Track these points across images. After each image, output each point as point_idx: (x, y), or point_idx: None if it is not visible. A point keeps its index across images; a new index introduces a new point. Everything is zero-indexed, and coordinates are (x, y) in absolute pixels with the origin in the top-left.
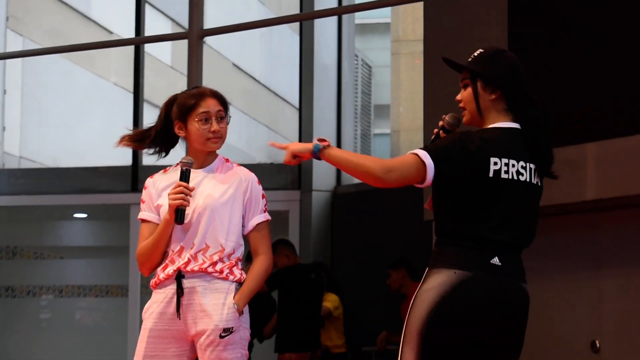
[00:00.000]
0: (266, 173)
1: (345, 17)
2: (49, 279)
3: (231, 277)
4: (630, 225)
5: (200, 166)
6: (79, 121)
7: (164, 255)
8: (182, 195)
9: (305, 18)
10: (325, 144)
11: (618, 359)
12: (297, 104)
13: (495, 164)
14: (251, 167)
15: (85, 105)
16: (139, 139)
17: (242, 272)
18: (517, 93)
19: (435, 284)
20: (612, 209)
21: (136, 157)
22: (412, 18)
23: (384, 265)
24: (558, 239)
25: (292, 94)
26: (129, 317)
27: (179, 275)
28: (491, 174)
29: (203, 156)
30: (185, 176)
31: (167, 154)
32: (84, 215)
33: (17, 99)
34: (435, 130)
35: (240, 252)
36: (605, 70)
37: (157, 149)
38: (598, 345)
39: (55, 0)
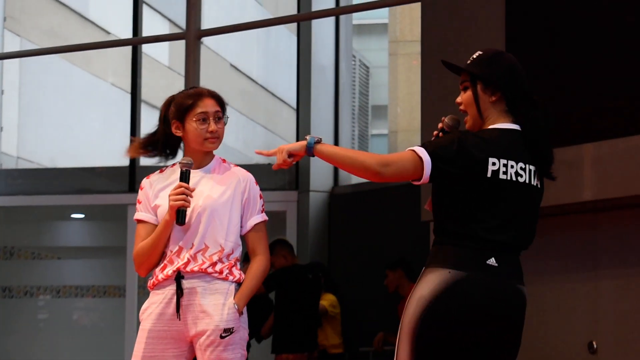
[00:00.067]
0: (263, 174)
1: (342, 17)
2: (46, 280)
3: (231, 278)
4: (629, 226)
5: (198, 166)
6: (77, 121)
7: (162, 255)
8: (184, 196)
9: (303, 19)
10: (318, 139)
11: None
12: (294, 105)
13: (494, 164)
14: (249, 167)
15: (83, 106)
16: (149, 146)
17: (241, 272)
18: (517, 94)
19: (429, 283)
20: (610, 210)
21: (133, 157)
22: (410, 19)
23: (381, 266)
24: (556, 239)
25: (290, 95)
26: (126, 317)
27: (179, 276)
28: (489, 174)
29: (200, 156)
30: (185, 177)
31: (174, 156)
32: (82, 216)
33: (15, 99)
34: (435, 132)
35: (238, 252)
36: (603, 70)
37: (165, 152)
38: (595, 346)
39: (52, 1)
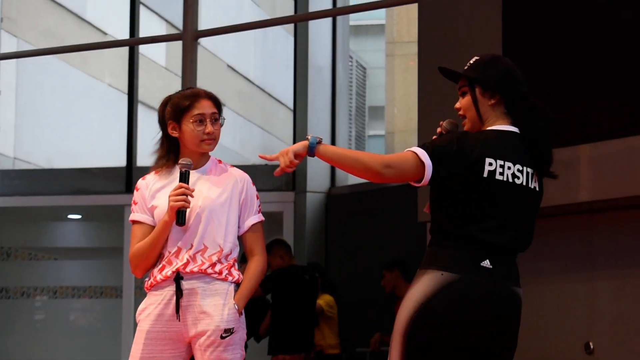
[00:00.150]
0: (260, 174)
1: (339, 18)
2: (43, 280)
3: (230, 278)
4: (625, 227)
5: (194, 167)
6: (74, 122)
7: (159, 256)
8: (184, 196)
9: (300, 19)
10: (319, 139)
11: None
12: (291, 106)
13: (490, 164)
14: (246, 168)
15: (80, 107)
16: (166, 156)
17: (240, 272)
18: (516, 96)
19: (422, 285)
20: (607, 211)
21: (130, 158)
22: (407, 20)
23: (378, 267)
24: (552, 240)
25: (287, 96)
26: (123, 318)
27: (178, 277)
28: (486, 174)
29: (196, 157)
30: (185, 177)
31: (176, 158)
32: (78, 217)
33: (12, 100)
34: (434, 137)
35: (236, 252)
36: (599, 71)
37: (168, 156)
38: (592, 346)
39: (49, 1)
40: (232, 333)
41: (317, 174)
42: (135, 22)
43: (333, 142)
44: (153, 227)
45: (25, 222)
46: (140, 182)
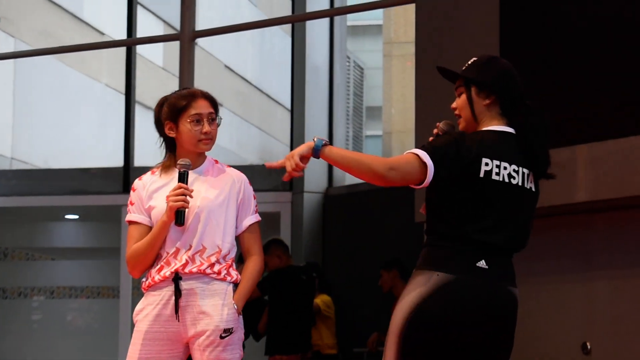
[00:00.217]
0: (257, 174)
1: (337, 18)
2: (40, 280)
3: (228, 279)
4: (623, 227)
5: (191, 168)
6: (71, 122)
7: (157, 257)
8: (183, 197)
9: (297, 20)
10: (325, 141)
11: None
12: (288, 106)
13: (487, 164)
14: (243, 168)
15: (77, 107)
16: (172, 158)
17: (237, 273)
18: (512, 98)
19: (417, 285)
20: (604, 211)
21: (128, 158)
22: (404, 20)
23: (375, 266)
24: (549, 240)
25: (284, 96)
26: (120, 318)
27: (177, 277)
28: (482, 174)
29: (194, 157)
30: (184, 178)
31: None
32: (76, 217)
33: (9, 100)
34: (430, 138)
35: (234, 252)
36: (597, 72)
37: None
38: (589, 347)
39: (46, 2)
40: (231, 333)
41: (314, 174)
42: (133, 22)
43: (330, 143)
44: (150, 227)
45: (22, 222)
46: (137, 183)
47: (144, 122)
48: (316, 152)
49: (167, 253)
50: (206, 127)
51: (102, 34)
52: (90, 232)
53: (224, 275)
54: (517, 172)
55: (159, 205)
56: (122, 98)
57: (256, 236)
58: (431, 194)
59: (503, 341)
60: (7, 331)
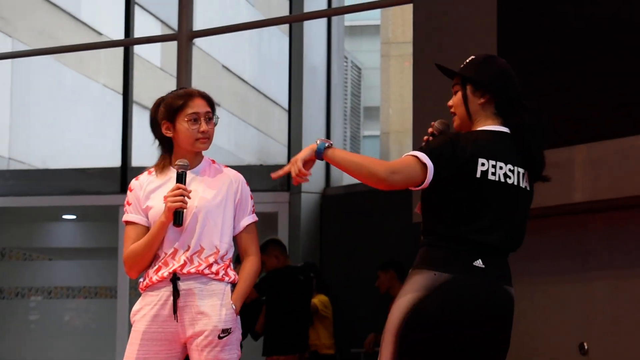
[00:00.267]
0: (255, 175)
1: (334, 19)
2: (37, 281)
3: (226, 279)
4: (620, 228)
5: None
6: (68, 122)
7: (154, 257)
8: (182, 197)
9: (295, 20)
10: (328, 143)
11: None
12: (286, 106)
13: (483, 164)
14: (240, 168)
15: (75, 107)
16: (167, 158)
17: (235, 273)
18: (507, 98)
19: (415, 285)
20: (602, 211)
21: (125, 158)
22: (402, 20)
23: (373, 267)
24: (547, 240)
25: (282, 96)
26: (118, 318)
27: (175, 278)
28: (478, 175)
29: (190, 157)
30: (182, 178)
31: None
32: (73, 217)
33: (6, 100)
34: (425, 137)
35: (231, 253)
36: (595, 72)
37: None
38: (586, 347)
39: (44, 2)
40: (229, 333)
41: (312, 175)
42: (130, 23)
43: None
44: (147, 227)
45: (20, 223)
46: (134, 183)
47: (142, 122)
48: (319, 154)
49: (165, 253)
50: (203, 126)
51: (100, 34)
52: (87, 232)
53: (222, 276)
54: (512, 171)
55: (157, 205)
56: (120, 98)
57: (253, 236)
58: (428, 194)
59: (500, 340)
60: (4, 331)
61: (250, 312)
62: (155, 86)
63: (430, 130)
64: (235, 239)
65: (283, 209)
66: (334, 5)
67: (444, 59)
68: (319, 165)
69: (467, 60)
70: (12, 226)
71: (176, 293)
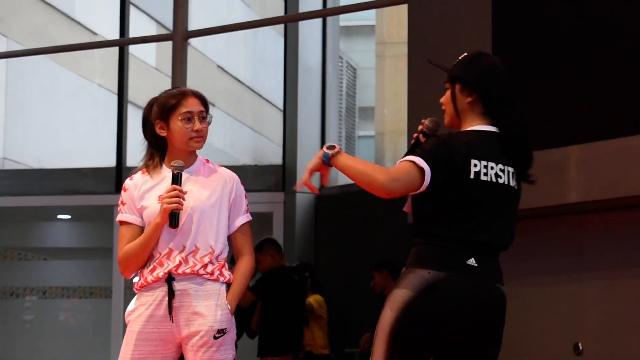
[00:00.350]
0: (250, 175)
1: (329, 19)
2: (32, 280)
3: (222, 279)
4: (614, 228)
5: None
6: (63, 122)
7: (149, 257)
8: (178, 198)
9: (290, 20)
10: (334, 151)
11: None
12: (281, 106)
13: (475, 165)
14: (235, 168)
15: (69, 107)
16: (152, 157)
17: (230, 273)
18: (494, 97)
19: (408, 283)
20: (596, 212)
21: (120, 158)
22: (397, 20)
23: (367, 267)
24: (542, 241)
25: (277, 96)
26: (113, 318)
27: (170, 278)
28: (472, 176)
29: (185, 157)
30: (177, 179)
31: (163, 159)
32: (68, 217)
33: (1, 100)
34: (415, 135)
35: (226, 253)
36: (589, 72)
37: (153, 160)
38: (581, 347)
39: (39, 1)
40: (224, 333)
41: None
42: (125, 22)
43: (322, 143)
44: (141, 227)
45: (14, 222)
46: (128, 183)
47: (137, 122)
48: (325, 162)
49: (160, 254)
50: (197, 125)
51: (95, 34)
52: (82, 232)
53: (217, 276)
54: (503, 171)
55: (151, 205)
56: (115, 98)
57: (247, 236)
58: (422, 195)
59: (492, 338)
60: None
61: (245, 311)
62: (150, 86)
63: (420, 127)
64: (230, 238)
65: (278, 209)
66: (329, 5)
67: (439, 59)
68: None
69: (460, 58)
70: (7, 226)
71: (171, 293)
